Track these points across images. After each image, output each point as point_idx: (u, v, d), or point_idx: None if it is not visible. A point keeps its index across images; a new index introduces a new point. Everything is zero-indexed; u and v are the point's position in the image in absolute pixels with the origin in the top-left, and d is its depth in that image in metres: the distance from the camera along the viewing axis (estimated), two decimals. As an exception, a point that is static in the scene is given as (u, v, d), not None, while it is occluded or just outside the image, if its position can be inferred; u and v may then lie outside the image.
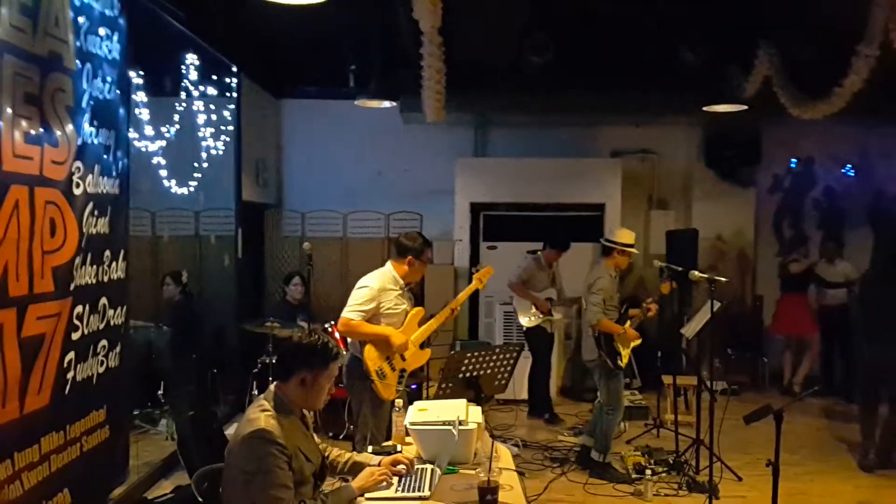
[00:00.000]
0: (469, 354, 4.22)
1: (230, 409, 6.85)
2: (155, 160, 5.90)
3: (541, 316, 7.11)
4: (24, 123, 3.22)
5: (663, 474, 5.49)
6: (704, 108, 7.05)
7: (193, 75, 6.22)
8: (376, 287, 4.43)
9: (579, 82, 7.43)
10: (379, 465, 3.05)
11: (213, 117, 6.70)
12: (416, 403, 3.55)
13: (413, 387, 6.20)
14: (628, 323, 5.56)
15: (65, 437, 3.74)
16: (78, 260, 3.77)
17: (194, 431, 4.80)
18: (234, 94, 7.08)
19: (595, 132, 9.05)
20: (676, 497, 5.22)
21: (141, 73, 5.30)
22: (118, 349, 4.37)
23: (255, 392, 6.26)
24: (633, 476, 5.46)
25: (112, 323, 4.28)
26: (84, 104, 3.79)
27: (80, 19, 3.73)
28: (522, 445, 6.37)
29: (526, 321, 7.15)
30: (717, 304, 5.39)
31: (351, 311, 4.37)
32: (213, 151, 6.72)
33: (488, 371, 4.28)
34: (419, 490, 2.96)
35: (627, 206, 8.55)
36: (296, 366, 2.76)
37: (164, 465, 5.37)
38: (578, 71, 7.22)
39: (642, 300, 5.88)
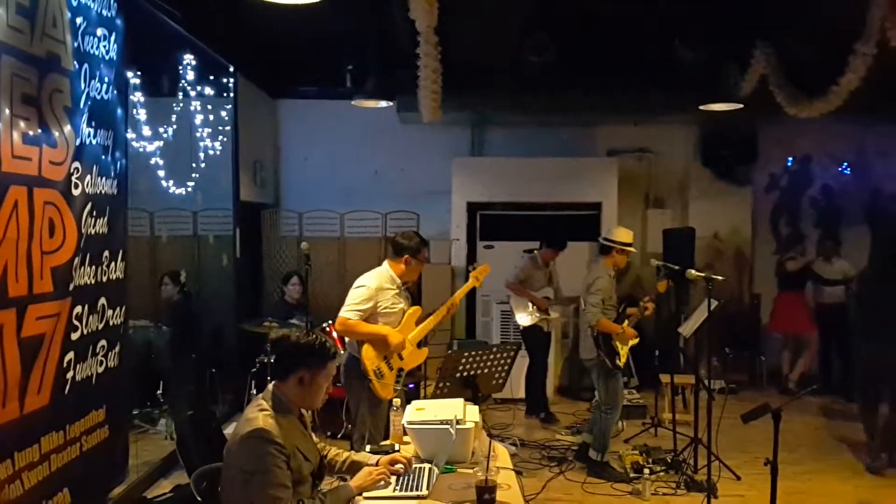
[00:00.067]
0: (466, 354, 4.23)
1: (229, 408, 6.86)
2: (153, 160, 5.93)
3: (538, 314, 7.11)
4: (22, 124, 3.22)
5: (661, 473, 5.49)
6: (701, 107, 7.04)
7: (191, 75, 6.24)
8: (373, 286, 4.44)
9: (579, 82, 7.43)
10: (377, 464, 3.05)
11: (211, 117, 6.72)
12: (414, 403, 3.56)
13: (410, 386, 6.19)
14: (626, 322, 5.56)
15: (64, 436, 3.74)
16: (77, 260, 3.77)
17: (193, 431, 4.81)
18: (231, 95, 7.08)
19: (591, 131, 9.06)
20: (675, 496, 5.22)
21: (138, 73, 5.32)
22: (117, 349, 4.37)
23: (254, 391, 6.27)
24: (632, 475, 5.46)
25: (111, 323, 4.28)
26: (82, 105, 3.79)
27: (78, 20, 3.72)
28: (520, 444, 6.37)
29: (523, 320, 7.14)
30: (714, 303, 5.38)
31: (348, 311, 4.38)
32: (211, 151, 6.74)
33: (485, 370, 4.29)
34: (417, 489, 2.97)
35: (624, 206, 8.56)
36: (294, 365, 2.76)
37: (164, 464, 5.38)
38: (578, 71, 7.23)
39: (639, 299, 5.87)
